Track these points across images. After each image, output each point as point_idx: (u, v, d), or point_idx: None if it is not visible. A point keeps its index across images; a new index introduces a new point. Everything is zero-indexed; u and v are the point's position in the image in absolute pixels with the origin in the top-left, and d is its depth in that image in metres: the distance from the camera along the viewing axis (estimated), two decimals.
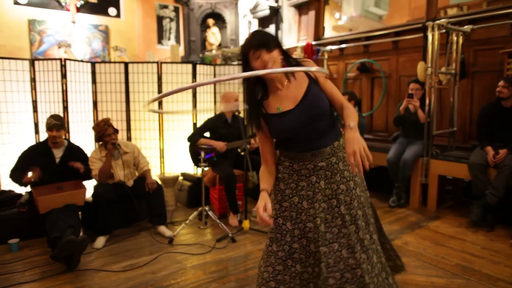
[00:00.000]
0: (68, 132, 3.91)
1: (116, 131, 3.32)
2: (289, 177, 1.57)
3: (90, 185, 3.53)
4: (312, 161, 1.51)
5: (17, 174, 3.05)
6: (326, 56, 5.89)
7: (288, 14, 7.45)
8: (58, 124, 3.10)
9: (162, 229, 3.25)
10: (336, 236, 1.49)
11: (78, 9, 7.69)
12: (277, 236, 1.56)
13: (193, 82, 4.47)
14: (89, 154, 3.35)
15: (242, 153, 3.38)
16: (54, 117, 3.12)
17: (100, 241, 3.03)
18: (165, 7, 9.04)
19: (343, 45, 5.77)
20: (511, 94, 3.34)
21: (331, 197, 1.51)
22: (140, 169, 3.42)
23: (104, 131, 3.22)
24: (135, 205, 3.28)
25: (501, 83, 3.37)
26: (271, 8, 7.68)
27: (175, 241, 3.11)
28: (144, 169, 3.42)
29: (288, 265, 1.55)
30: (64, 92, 3.87)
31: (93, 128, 3.29)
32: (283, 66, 1.46)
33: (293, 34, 7.18)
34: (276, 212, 1.58)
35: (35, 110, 3.88)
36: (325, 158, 1.51)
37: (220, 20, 9.24)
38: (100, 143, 3.34)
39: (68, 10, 7.55)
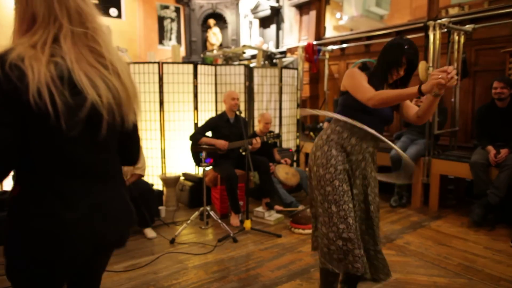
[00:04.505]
0: None
1: None
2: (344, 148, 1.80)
3: None
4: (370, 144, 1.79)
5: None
6: (327, 56, 5.89)
7: (289, 14, 7.45)
8: None
9: (147, 230, 3.22)
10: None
11: None
12: (335, 197, 1.73)
13: (194, 82, 4.48)
14: None
15: (244, 153, 3.38)
16: None
17: None
18: (166, 7, 9.06)
19: (344, 45, 5.77)
20: (510, 94, 3.34)
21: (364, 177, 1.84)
22: (136, 168, 3.41)
23: None
24: (139, 206, 3.27)
25: (498, 84, 3.36)
26: (272, 8, 7.68)
27: (177, 241, 3.11)
28: (136, 172, 3.35)
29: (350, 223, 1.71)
30: None
31: None
32: None
33: (294, 34, 7.18)
34: (332, 175, 1.75)
35: None
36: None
37: (221, 21, 9.25)
38: None
39: None
